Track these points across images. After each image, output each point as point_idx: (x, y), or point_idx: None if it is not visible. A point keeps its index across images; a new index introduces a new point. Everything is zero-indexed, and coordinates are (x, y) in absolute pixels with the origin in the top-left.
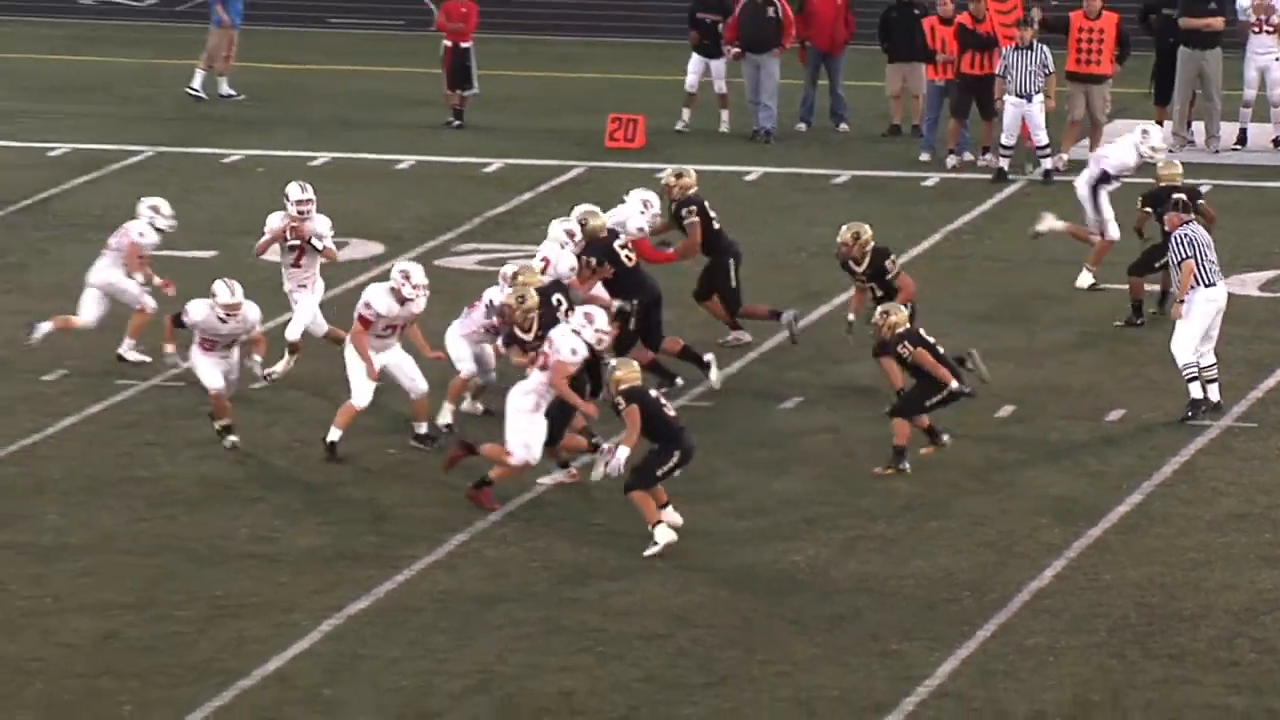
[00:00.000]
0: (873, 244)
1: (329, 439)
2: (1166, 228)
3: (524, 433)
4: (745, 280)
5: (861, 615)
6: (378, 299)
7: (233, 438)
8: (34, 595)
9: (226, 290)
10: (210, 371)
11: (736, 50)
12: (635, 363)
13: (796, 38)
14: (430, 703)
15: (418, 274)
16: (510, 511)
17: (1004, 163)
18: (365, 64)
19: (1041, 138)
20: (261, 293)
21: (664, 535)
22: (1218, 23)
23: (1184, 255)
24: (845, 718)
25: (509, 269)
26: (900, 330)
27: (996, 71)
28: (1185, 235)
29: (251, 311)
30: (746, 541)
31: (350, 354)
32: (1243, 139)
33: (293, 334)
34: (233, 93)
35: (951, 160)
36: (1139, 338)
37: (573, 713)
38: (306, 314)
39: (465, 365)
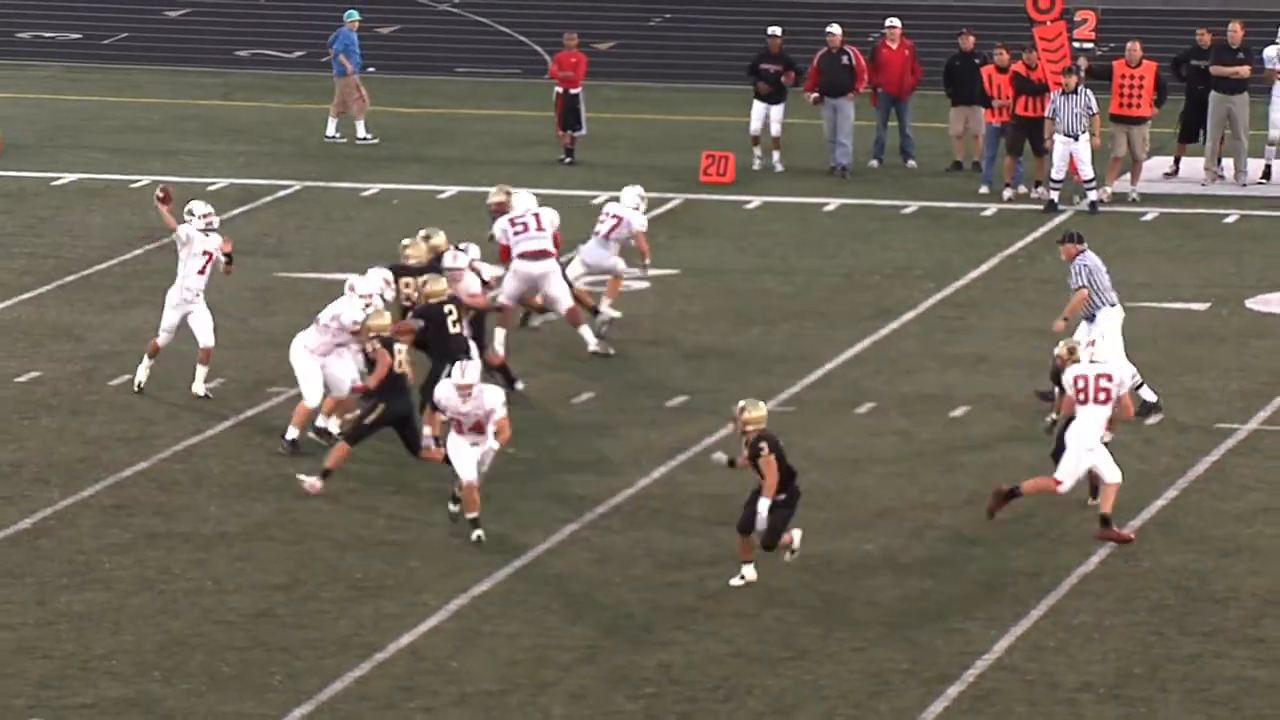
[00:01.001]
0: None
1: (288, 437)
2: (1064, 257)
3: (1075, 461)
4: (824, 300)
5: (928, 597)
6: (349, 311)
7: (479, 532)
8: (196, 578)
9: (459, 371)
10: (463, 460)
11: (816, 95)
12: (763, 404)
13: (869, 83)
14: (544, 673)
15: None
16: (615, 504)
17: (1054, 195)
18: (487, 108)
19: (1087, 172)
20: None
21: (751, 573)
22: (1244, 71)
23: (1081, 283)
24: (914, 688)
25: (356, 280)
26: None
27: (1046, 114)
28: (1084, 264)
29: (490, 396)
30: (825, 531)
31: (297, 360)
32: (1267, 174)
33: (210, 340)
34: (368, 136)
35: (1008, 193)
36: (1172, 350)
37: (671, 682)
38: (209, 323)
39: (313, 388)
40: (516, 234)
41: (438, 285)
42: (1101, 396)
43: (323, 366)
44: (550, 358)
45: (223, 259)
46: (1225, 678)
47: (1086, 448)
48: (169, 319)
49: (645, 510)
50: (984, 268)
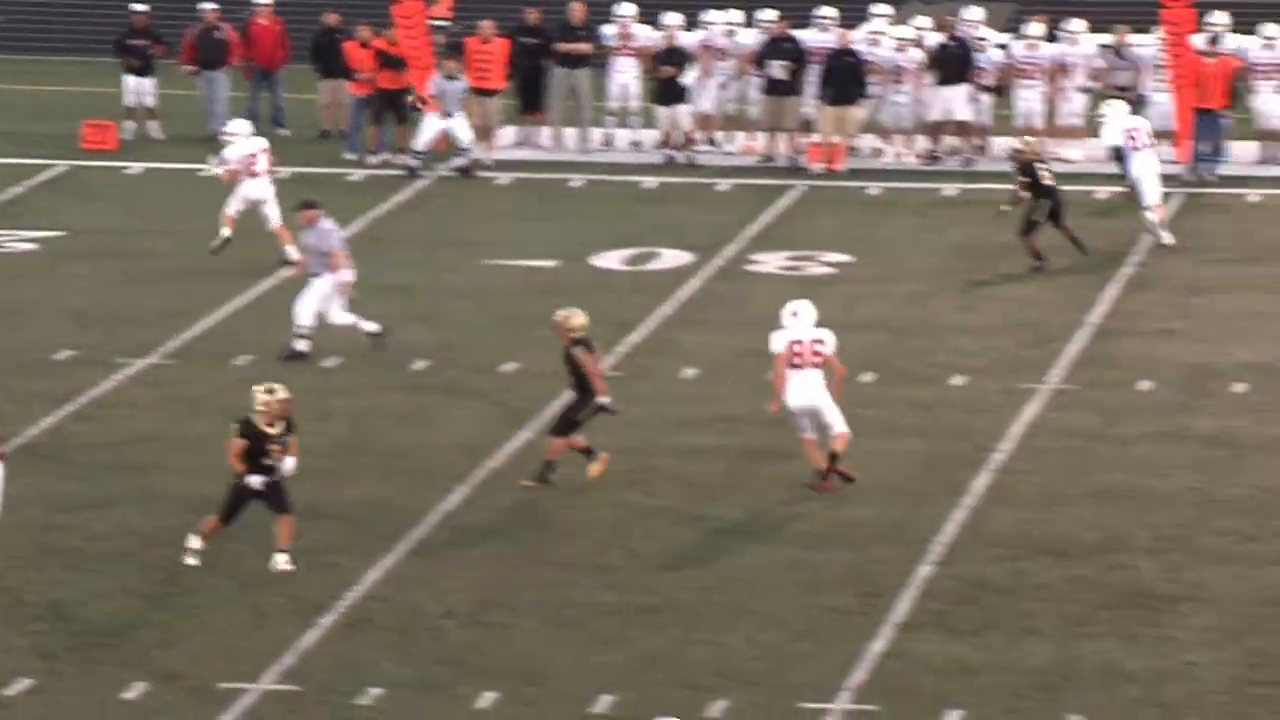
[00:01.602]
0: (576, 334)
1: None
2: (302, 222)
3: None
4: (204, 259)
5: (305, 535)
6: None
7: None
8: None
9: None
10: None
11: (192, 69)
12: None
13: (242, 57)
14: None
15: None
16: (6, 453)
17: (415, 163)
18: None
19: (466, 139)
20: None
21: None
22: (585, 47)
23: (336, 242)
24: (293, 618)
25: None
26: (576, 336)
27: (431, 92)
28: (327, 227)
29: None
30: (198, 476)
31: None
32: (609, 141)
33: None
34: None
35: (373, 159)
36: (524, 305)
37: (60, 619)
38: None
39: None
40: None
41: None
42: (817, 359)
43: None
44: None
45: None
46: (575, 603)
47: (807, 405)
48: None
49: (36, 457)
50: (353, 229)
